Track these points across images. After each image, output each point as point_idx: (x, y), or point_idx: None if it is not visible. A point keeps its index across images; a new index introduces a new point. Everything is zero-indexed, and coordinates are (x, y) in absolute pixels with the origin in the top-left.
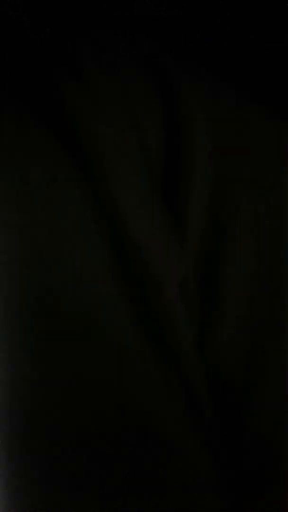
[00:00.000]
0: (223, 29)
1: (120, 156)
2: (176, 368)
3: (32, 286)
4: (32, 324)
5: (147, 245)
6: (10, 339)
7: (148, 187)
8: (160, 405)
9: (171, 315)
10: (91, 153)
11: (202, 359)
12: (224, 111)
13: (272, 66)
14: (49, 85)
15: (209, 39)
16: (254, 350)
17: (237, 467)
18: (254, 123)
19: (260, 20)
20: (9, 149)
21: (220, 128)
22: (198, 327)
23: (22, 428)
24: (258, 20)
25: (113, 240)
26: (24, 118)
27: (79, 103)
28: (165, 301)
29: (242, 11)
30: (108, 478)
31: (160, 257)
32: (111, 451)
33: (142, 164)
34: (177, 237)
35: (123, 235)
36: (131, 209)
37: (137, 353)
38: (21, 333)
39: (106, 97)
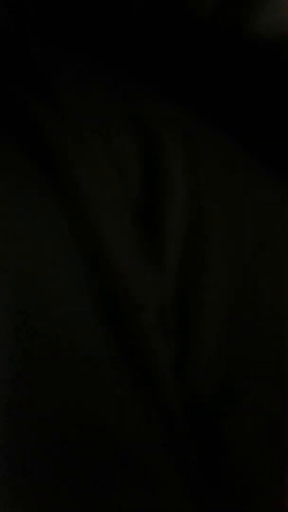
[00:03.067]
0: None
1: (98, 183)
2: (152, 393)
3: (8, 309)
4: (8, 346)
5: (125, 270)
6: None
7: (126, 214)
8: (135, 429)
9: (149, 340)
10: (68, 180)
11: (180, 384)
12: (201, 145)
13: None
14: (26, 115)
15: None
16: (232, 376)
17: (214, 492)
18: (232, 158)
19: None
20: None
21: (197, 159)
22: (176, 353)
23: None
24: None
25: (91, 265)
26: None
27: (57, 137)
28: (143, 327)
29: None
30: (77, 501)
31: (138, 283)
32: (84, 472)
33: (119, 191)
34: (155, 264)
35: (101, 261)
36: (109, 234)
37: (114, 377)
38: None
39: (84, 130)
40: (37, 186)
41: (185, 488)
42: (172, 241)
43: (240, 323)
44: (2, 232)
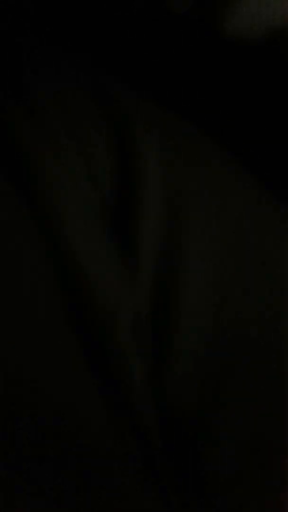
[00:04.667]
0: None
1: (68, 185)
2: (126, 401)
3: None
4: None
5: (98, 275)
6: None
7: (99, 217)
8: (107, 439)
9: (123, 347)
10: (38, 181)
11: (155, 394)
12: (178, 144)
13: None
14: None
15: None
16: (210, 386)
17: (191, 505)
18: (209, 155)
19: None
20: None
21: (173, 159)
22: (152, 362)
23: None
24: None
25: (63, 270)
26: None
27: (26, 132)
28: (117, 333)
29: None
30: None
31: (112, 288)
32: (54, 487)
33: (91, 193)
34: (129, 269)
35: (74, 266)
36: (81, 239)
37: (85, 385)
38: None
39: (55, 128)
40: (6, 193)
41: (163, 502)
42: (147, 249)
43: (218, 331)
44: None
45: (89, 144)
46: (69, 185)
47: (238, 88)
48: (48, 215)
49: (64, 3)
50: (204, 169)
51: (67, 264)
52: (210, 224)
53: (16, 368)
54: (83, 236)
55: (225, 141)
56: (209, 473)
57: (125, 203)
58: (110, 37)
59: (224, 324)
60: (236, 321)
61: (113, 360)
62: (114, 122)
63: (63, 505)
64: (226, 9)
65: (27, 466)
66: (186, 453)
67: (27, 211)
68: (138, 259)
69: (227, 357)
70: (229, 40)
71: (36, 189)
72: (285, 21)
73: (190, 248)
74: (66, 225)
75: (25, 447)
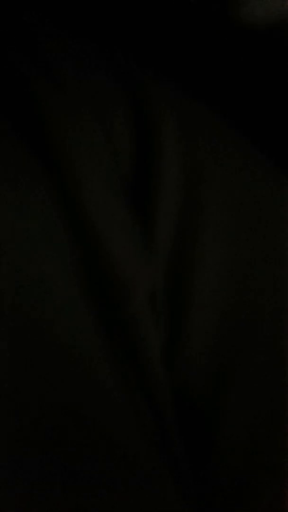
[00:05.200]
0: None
1: (89, 159)
2: (142, 381)
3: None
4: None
5: (116, 254)
6: None
7: (118, 195)
8: (124, 421)
9: (139, 323)
10: (59, 156)
11: (169, 372)
12: (197, 123)
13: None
14: (23, 88)
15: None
16: (222, 367)
17: (204, 486)
18: (228, 139)
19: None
20: None
21: (192, 137)
22: (165, 340)
23: None
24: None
25: (81, 245)
26: None
27: (49, 104)
28: (133, 308)
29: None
30: (69, 498)
31: (130, 267)
32: (71, 467)
33: (112, 170)
34: (146, 247)
35: (91, 241)
36: (100, 214)
37: (101, 362)
38: None
39: (76, 100)
40: (29, 169)
41: (176, 484)
42: (164, 225)
43: (233, 312)
44: None
45: (110, 118)
46: (89, 157)
47: (251, 73)
48: (68, 185)
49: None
50: (221, 150)
51: (86, 235)
52: (227, 204)
53: (31, 339)
54: (102, 208)
55: (240, 126)
56: (220, 448)
57: (143, 179)
58: (127, 21)
59: (238, 303)
60: (250, 301)
61: (128, 333)
62: (134, 99)
63: (78, 480)
64: None
65: (41, 449)
66: (197, 428)
67: (47, 180)
68: (155, 234)
69: (240, 337)
70: (243, 26)
71: (57, 159)
72: None
73: (206, 226)
74: (86, 195)
75: (40, 425)
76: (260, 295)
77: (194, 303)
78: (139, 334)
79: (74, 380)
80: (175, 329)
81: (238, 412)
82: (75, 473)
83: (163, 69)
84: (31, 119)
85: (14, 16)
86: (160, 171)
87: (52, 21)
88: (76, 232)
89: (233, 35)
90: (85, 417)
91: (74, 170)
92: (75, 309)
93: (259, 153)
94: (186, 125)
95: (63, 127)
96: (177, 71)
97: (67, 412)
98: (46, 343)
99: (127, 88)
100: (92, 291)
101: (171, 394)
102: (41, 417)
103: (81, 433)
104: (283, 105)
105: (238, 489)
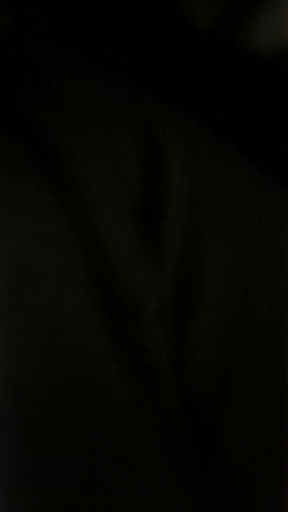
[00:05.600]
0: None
1: (98, 183)
2: (151, 391)
3: (6, 306)
4: (5, 342)
5: (124, 269)
6: None
7: (125, 213)
8: (133, 427)
9: (147, 339)
10: (69, 180)
11: (178, 380)
12: (201, 146)
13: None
14: (27, 114)
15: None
16: (229, 375)
17: (213, 487)
18: (232, 162)
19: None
20: None
21: (197, 159)
22: (173, 351)
23: None
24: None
25: (91, 264)
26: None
27: (57, 135)
28: (142, 326)
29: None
30: (76, 499)
31: (138, 282)
32: (82, 470)
33: (119, 191)
34: (154, 263)
35: (101, 260)
36: (109, 233)
37: (112, 375)
38: None
39: (84, 130)
40: (38, 186)
41: (184, 485)
42: (172, 241)
43: (238, 322)
44: (2, 232)
45: (117, 143)
46: (99, 182)
47: (256, 99)
48: (80, 207)
49: (90, 14)
50: (225, 171)
51: (97, 253)
52: (231, 221)
53: (42, 350)
54: (112, 227)
55: (242, 148)
56: (226, 449)
57: (151, 200)
58: (133, 48)
59: (243, 315)
60: (255, 313)
61: (137, 344)
62: (140, 124)
63: (86, 481)
64: (255, 20)
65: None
66: (204, 429)
67: (60, 204)
68: (162, 249)
69: (243, 344)
70: (249, 54)
71: (66, 183)
72: None
73: (211, 242)
74: (97, 217)
75: (49, 426)
76: (264, 306)
77: (200, 315)
78: (148, 344)
79: (84, 387)
80: (182, 339)
81: (241, 414)
82: (82, 473)
83: (169, 93)
84: (44, 148)
85: (21, 46)
86: (167, 192)
87: (58, 45)
88: (87, 250)
89: (239, 62)
90: (95, 422)
91: (85, 194)
92: (87, 321)
93: (260, 173)
94: (191, 148)
95: (70, 151)
96: (183, 95)
97: (75, 416)
98: (58, 352)
99: (134, 113)
100: (103, 304)
101: (179, 400)
102: (52, 422)
103: (89, 436)
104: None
105: (240, 489)
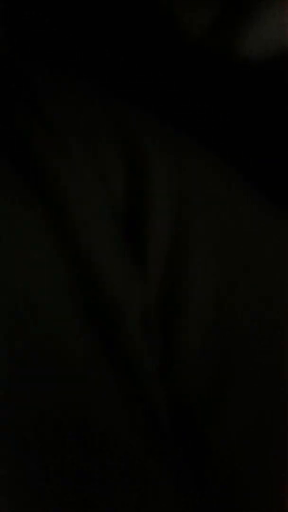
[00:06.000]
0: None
1: (82, 192)
2: (138, 396)
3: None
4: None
5: (108, 277)
6: None
7: (110, 222)
8: (121, 432)
9: (133, 346)
10: (53, 189)
11: (165, 388)
12: (186, 157)
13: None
14: (11, 126)
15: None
16: (217, 379)
17: (203, 494)
18: (217, 171)
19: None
20: None
21: (182, 170)
22: (160, 357)
23: None
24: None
25: (75, 272)
26: None
27: (41, 147)
28: (127, 333)
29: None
30: (65, 500)
31: (122, 289)
32: (72, 473)
33: (104, 199)
34: (138, 270)
35: (85, 268)
36: (93, 241)
37: (100, 382)
38: None
39: (68, 140)
40: (22, 200)
41: (173, 490)
42: (156, 248)
43: (224, 327)
44: None
45: (102, 153)
46: (85, 196)
47: (249, 107)
48: (61, 217)
49: (78, 28)
50: (209, 181)
51: (79, 262)
52: (215, 228)
53: (29, 357)
54: (95, 237)
55: (232, 158)
56: (215, 452)
57: (135, 211)
58: (124, 60)
59: (226, 318)
60: (237, 316)
61: (123, 352)
62: (125, 138)
63: (76, 484)
64: (247, 28)
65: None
66: (193, 436)
67: (42, 214)
68: (146, 260)
69: (231, 349)
70: (242, 62)
71: (50, 193)
72: None
73: (195, 249)
74: (81, 229)
75: (34, 433)
76: (250, 315)
77: (187, 319)
78: (133, 351)
79: (71, 393)
80: (169, 347)
81: (231, 420)
82: (73, 477)
83: (161, 104)
84: (28, 162)
85: (9, 64)
86: (151, 199)
87: (47, 62)
88: (71, 260)
89: (232, 70)
90: (82, 429)
91: (67, 201)
92: (72, 330)
93: (252, 187)
94: (176, 156)
95: (54, 162)
96: (175, 106)
97: (65, 421)
98: (44, 360)
99: (120, 126)
100: (87, 313)
101: (167, 406)
102: (40, 424)
103: (78, 441)
104: (283, 136)
105: (230, 494)
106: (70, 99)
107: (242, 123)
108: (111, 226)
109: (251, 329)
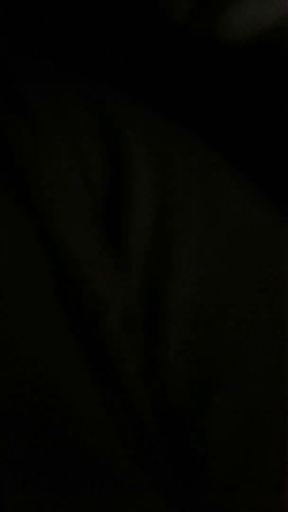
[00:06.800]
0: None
1: (62, 187)
2: (119, 394)
3: None
4: None
5: (89, 273)
6: None
7: (90, 216)
8: (103, 432)
9: (114, 341)
10: (34, 186)
11: (148, 383)
12: (167, 145)
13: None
14: None
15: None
16: (201, 376)
17: (187, 493)
18: (200, 159)
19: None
20: None
21: (163, 159)
22: (144, 354)
23: None
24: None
25: (56, 267)
26: None
27: (23, 140)
28: (108, 330)
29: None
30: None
31: (103, 286)
32: (53, 482)
33: (84, 192)
34: (120, 265)
35: (65, 265)
36: (73, 238)
37: (82, 381)
38: None
39: (49, 133)
40: (8, 202)
41: (160, 496)
42: (138, 242)
43: (207, 322)
44: None
45: (82, 148)
46: (63, 187)
47: (237, 91)
48: (43, 215)
49: (60, 12)
50: (192, 172)
51: (60, 259)
52: (197, 222)
53: (11, 360)
54: (75, 231)
55: (221, 145)
56: (202, 456)
57: (116, 204)
58: (107, 46)
59: (211, 315)
60: (222, 312)
61: (105, 351)
62: (106, 127)
63: (61, 494)
64: (228, 9)
65: (22, 455)
66: (179, 439)
67: (23, 211)
68: (128, 256)
69: (216, 346)
70: (227, 45)
71: (31, 190)
72: (284, 19)
73: (177, 244)
74: (61, 227)
75: (19, 437)
76: (235, 309)
77: (169, 317)
78: (115, 348)
79: (51, 397)
80: (153, 341)
81: (219, 416)
82: (60, 487)
83: (141, 94)
84: (7, 159)
85: None
86: (131, 195)
87: (25, 46)
88: (50, 256)
89: (217, 52)
90: (64, 432)
91: (49, 203)
92: (53, 328)
93: (238, 173)
94: (156, 145)
95: (33, 155)
96: (156, 95)
97: (44, 425)
98: (24, 359)
99: (98, 115)
100: (68, 311)
101: (150, 406)
102: (18, 429)
103: (58, 447)
104: (271, 120)
105: (218, 497)
106: (49, 85)
107: (230, 107)
108: (92, 220)
109: (236, 326)
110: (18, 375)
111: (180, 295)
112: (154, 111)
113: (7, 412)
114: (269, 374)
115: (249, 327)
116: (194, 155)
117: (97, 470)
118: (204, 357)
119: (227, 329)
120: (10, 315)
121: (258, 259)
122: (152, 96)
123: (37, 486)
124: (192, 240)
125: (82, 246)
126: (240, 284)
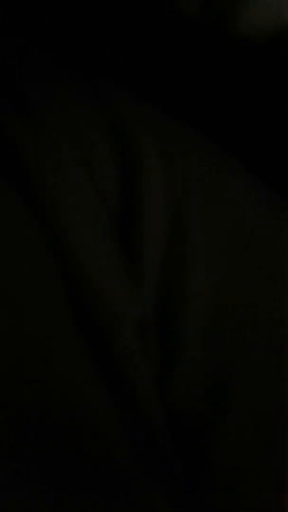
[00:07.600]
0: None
1: (71, 195)
2: (134, 407)
3: None
4: None
5: (102, 285)
6: None
7: (103, 225)
8: (118, 445)
9: (128, 353)
10: (44, 200)
11: (163, 399)
12: (178, 146)
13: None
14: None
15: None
16: (216, 389)
17: (189, 493)
18: (210, 159)
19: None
20: None
21: (174, 161)
22: (158, 366)
23: None
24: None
25: (69, 280)
26: None
27: (29, 147)
28: (122, 340)
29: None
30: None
31: (116, 298)
32: (69, 492)
33: (94, 201)
34: (133, 277)
35: (78, 276)
36: (86, 249)
37: (96, 395)
38: None
39: (55, 136)
40: (12, 204)
41: (161, 493)
42: (152, 254)
43: (223, 333)
44: None
45: (91, 153)
46: (71, 195)
47: (245, 86)
48: (55, 228)
49: (63, 7)
50: (205, 175)
51: (72, 271)
52: (212, 230)
53: (24, 368)
54: (87, 243)
55: (229, 143)
56: (215, 466)
57: (128, 212)
58: (113, 41)
59: (226, 326)
60: (239, 326)
61: (119, 365)
62: (114, 129)
63: (68, 498)
64: (238, 5)
65: (31, 463)
66: (193, 449)
67: (32, 221)
68: (142, 266)
69: (231, 359)
70: (238, 39)
71: (38, 199)
72: None
73: (193, 254)
74: (72, 237)
75: (30, 443)
76: (249, 317)
77: (184, 327)
78: (129, 363)
79: (64, 408)
80: (167, 353)
81: (231, 433)
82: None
83: (149, 90)
84: (13, 165)
85: None
86: (144, 202)
87: (26, 46)
88: (64, 268)
89: (231, 48)
90: (76, 442)
91: (59, 213)
92: (67, 341)
93: (245, 170)
94: (167, 146)
95: (42, 168)
96: (163, 92)
97: (57, 435)
98: (37, 371)
99: (108, 117)
100: (82, 324)
101: (165, 418)
102: (38, 438)
103: (70, 457)
104: (282, 115)
105: (234, 503)
106: (56, 86)
107: (240, 101)
108: (104, 230)
109: (252, 334)
110: (31, 390)
111: (195, 306)
112: (159, 110)
113: (23, 419)
114: (283, 382)
115: (264, 338)
116: (209, 160)
117: (99, 470)
118: (220, 369)
119: (243, 337)
120: (23, 328)
121: (274, 268)
122: (153, 95)
123: (37, 486)
124: (207, 249)
125: (94, 258)
126: (257, 295)
